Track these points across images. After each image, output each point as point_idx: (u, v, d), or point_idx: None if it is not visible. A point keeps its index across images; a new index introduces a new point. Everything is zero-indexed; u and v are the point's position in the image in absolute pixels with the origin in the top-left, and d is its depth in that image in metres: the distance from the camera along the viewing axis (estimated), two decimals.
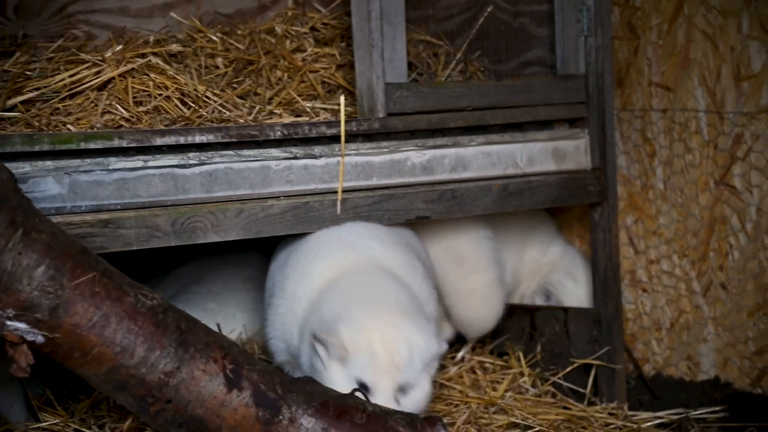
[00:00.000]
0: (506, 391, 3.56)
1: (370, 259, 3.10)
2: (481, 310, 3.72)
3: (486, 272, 3.71)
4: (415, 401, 2.87)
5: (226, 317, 3.67)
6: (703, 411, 3.63)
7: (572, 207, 4.28)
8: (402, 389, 2.86)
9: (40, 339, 2.46)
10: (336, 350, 2.83)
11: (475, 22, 3.87)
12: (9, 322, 2.43)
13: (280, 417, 2.61)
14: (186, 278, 3.89)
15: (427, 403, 2.91)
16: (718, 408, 3.66)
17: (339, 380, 2.84)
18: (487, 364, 3.80)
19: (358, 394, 2.78)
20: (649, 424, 3.48)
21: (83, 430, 3.00)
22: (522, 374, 3.69)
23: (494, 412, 3.39)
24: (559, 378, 3.71)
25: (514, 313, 3.96)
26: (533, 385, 3.67)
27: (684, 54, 3.84)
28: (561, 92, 3.66)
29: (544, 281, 4.11)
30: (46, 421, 3.05)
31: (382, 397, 2.81)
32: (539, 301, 4.09)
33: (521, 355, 3.79)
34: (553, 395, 3.66)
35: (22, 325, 2.44)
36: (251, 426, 2.60)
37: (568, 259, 4.13)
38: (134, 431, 2.93)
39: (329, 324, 2.87)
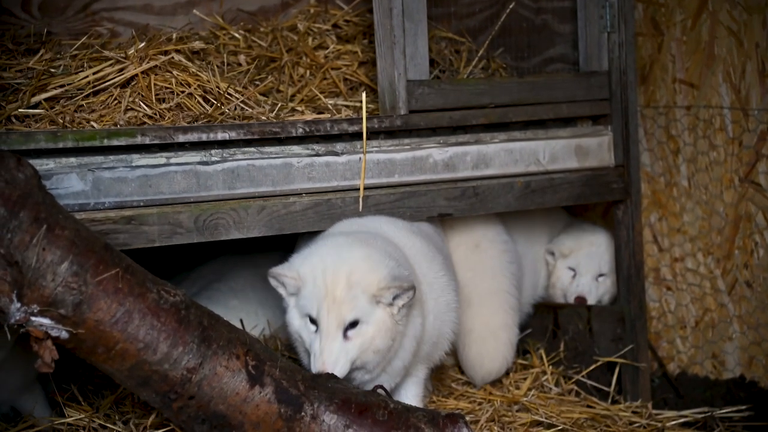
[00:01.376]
0: (529, 389, 3.54)
1: (380, 233, 3.08)
2: (488, 354, 3.57)
3: (498, 315, 3.60)
4: (365, 337, 2.80)
5: (249, 314, 3.68)
6: (729, 410, 3.60)
7: (596, 204, 4.25)
8: (353, 324, 2.80)
9: (64, 334, 2.47)
10: (290, 282, 2.84)
11: (497, 19, 3.85)
12: (33, 318, 2.45)
13: (303, 413, 2.62)
14: (209, 276, 3.91)
15: (384, 339, 2.81)
16: (743, 407, 3.62)
17: (293, 316, 2.86)
18: None
19: (380, 391, 2.78)
20: (673, 422, 3.45)
21: (108, 425, 3.01)
22: (544, 372, 3.67)
23: (517, 410, 3.37)
24: (582, 376, 3.69)
25: (537, 311, 3.95)
26: (556, 384, 3.65)
27: (708, 50, 3.81)
28: (584, 89, 3.64)
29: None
30: (72, 417, 3.06)
31: (325, 331, 2.77)
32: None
33: (543, 353, 3.77)
34: (577, 393, 3.64)
35: (46, 321, 2.45)
36: (273, 422, 2.60)
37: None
38: (158, 427, 2.93)
39: (288, 263, 2.90)
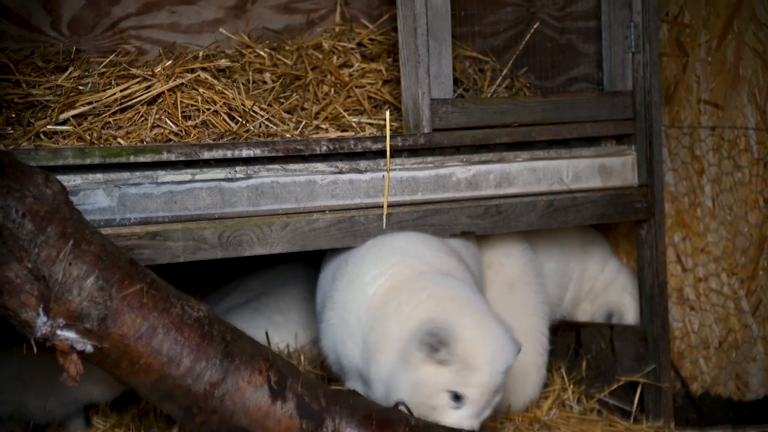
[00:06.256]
0: (551, 408, 3.53)
1: (424, 267, 3.09)
2: (515, 393, 3.53)
3: (530, 354, 3.55)
4: (496, 404, 2.94)
5: (290, 333, 3.72)
6: (752, 430, 3.57)
7: (619, 224, 4.25)
8: None
9: (89, 348, 2.50)
10: (446, 354, 2.79)
11: (521, 39, 3.87)
12: (59, 332, 2.47)
13: (324, 429, 2.63)
14: (257, 289, 3.95)
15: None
16: (767, 427, 3.59)
17: (434, 383, 2.81)
18: None
19: (401, 408, 2.78)
20: None
21: None
22: (565, 390, 3.66)
23: (539, 429, 3.36)
24: (604, 395, 3.67)
25: (559, 329, 3.94)
26: (578, 402, 3.64)
27: (733, 71, 3.81)
28: (608, 109, 3.64)
29: (604, 300, 4.05)
30: (97, 429, 3.09)
31: (475, 409, 2.84)
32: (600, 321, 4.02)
33: (564, 372, 3.76)
34: (599, 413, 3.63)
35: (71, 335, 2.48)
36: None
37: (625, 276, 4.07)
38: None
39: (438, 326, 2.81)
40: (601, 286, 4.08)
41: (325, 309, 3.17)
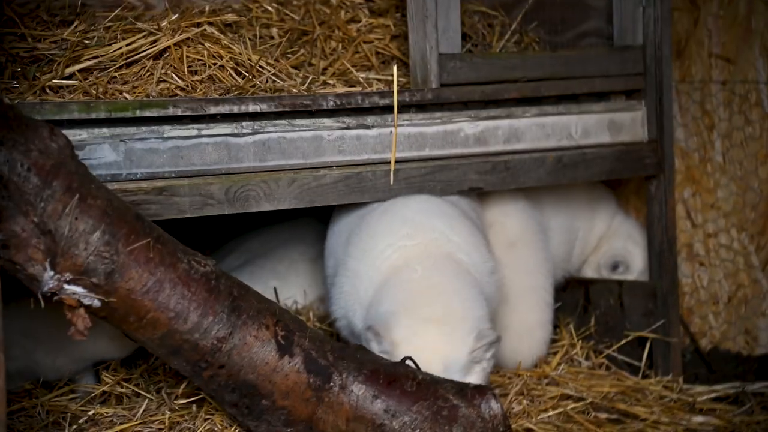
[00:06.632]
0: (559, 363, 3.53)
1: (433, 243, 3.07)
2: (521, 353, 3.52)
3: (535, 312, 3.57)
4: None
5: (288, 298, 3.71)
6: (760, 385, 3.57)
7: (629, 180, 4.22)
8: None
9: (96, 303, 2.50)
10: (386, 346, 2.82)
11: None
12: (66, 286, 2.47)
13: (331, 384, 2.63)
14: (256, 250, 3.92)
15: None
16: None
17: None
18: None
19: (408, 362, 2.78)
20: (704, 397, 3.43)
21: (140, 392, 3.06)
22: (573, 346, 3.66)
23: (547, 384, 3.37)
24: (613, 351, 3.68)
25: (568, 286, 3.93)
26: (587, 358, 3.64)
27: (745, 24, 3.77)
28: (618, 64, 3.61)
29: (608, 249, 4.03)
30: (106, 384, 3.11)
31: None
32: (605, 274, 4.00)
33: (572, 327, 3.76)
34: (607, 368, 3.63)
35: (79, 289, 2.48)
36: (302, 392, 2.62)
37: (629, 225, 4.06)
38: (189, 396, 2.96)
39: (383, 322, 2.85)
40: (606, 238, 4.06)
41: (338, 275, 3.16)
